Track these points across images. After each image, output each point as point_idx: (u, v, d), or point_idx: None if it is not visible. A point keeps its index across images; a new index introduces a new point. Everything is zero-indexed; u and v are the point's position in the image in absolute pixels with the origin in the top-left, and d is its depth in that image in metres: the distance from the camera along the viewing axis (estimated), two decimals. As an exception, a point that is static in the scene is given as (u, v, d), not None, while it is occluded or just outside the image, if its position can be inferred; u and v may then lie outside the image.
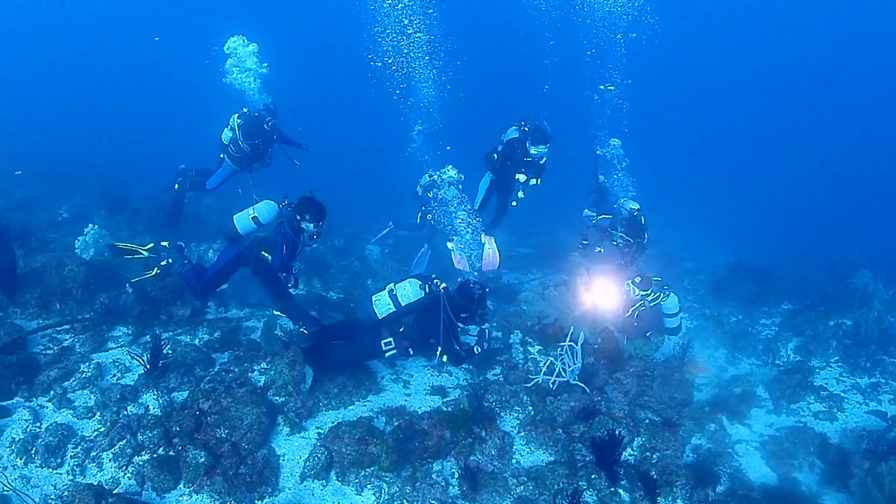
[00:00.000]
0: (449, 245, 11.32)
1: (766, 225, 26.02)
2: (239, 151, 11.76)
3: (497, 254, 11.66)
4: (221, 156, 12.07)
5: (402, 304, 7.87)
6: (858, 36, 49.18)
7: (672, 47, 50.76)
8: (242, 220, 8.43)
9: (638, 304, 9.56)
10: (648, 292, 9.51)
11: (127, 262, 9.54)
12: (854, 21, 47.49)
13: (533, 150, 10.99)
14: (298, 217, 8.18)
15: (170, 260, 8.61)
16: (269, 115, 11.74)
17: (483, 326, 8.34)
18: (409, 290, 7.97)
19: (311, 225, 8.24)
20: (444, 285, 8.05)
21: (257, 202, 8.59)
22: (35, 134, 25.49)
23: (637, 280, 9.58)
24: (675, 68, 52.47)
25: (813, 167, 40.33)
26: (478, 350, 8.29)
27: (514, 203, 11.55)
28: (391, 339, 7.82)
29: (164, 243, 8.72)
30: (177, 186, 12.36)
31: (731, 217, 26.13)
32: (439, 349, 7.85)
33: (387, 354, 7.92)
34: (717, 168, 38.55)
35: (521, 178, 11.18)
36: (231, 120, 11.71)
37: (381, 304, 7.85)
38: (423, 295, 7.97)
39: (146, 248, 8.77)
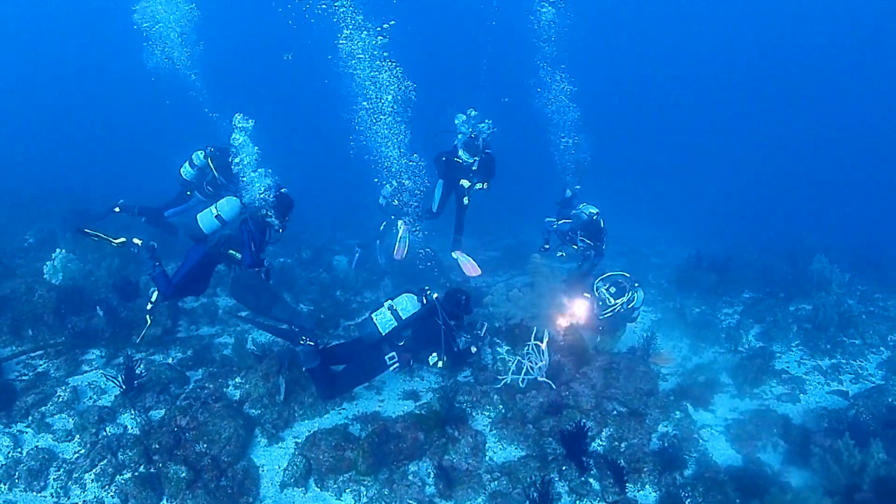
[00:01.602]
0: (399, 226, 11.96)
1: (727, 216, 26.46)
2: (217, 189, 11.56)
3: (473, 262, 12.02)
4: (189, 192, 11.90)
5: (403, 318, 7.99)
6: (814, 27, 50.05)
7: (630, 45, 51.46)
8: (206, 219, 8.50)
9: (616, 307, 9.75)
10: (625, 297, 9.71)
11: (96, 284, 9.64)
12: (809, 12, 48.37)
13: (461, 154, 11.54)
14: (264, 212, 8.27)
15: (155, 297, 8.69)
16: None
17: (470, 333, 8.59)
18: (407, 304, 8.10)
19: (277, 219, 8.33)
20: (436, 295, 8.29)
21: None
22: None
23: (612, 290, 9.77)
24: (635, 67, 53.19)
25: (771, 158, 40.96)
26: (474, 349, 8.54)
27: (465, 200, 11.95)
28: (394, 353, 7.97)
29: (136, 241, 8.74)
30: (118, 209, 11.92)
31: (694, 210, 26.56)
32: (433, 355, 8.04)
33: (391, 369, 8.03)
34: (680, 163, 39.11)
35: (465, 183, 11.55)
36: (196, 158, 11.50)
37: (383, 321, 7.94)
38: (419, 307, 8.14)
39: (117, 241, 8.76)
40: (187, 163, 11.54)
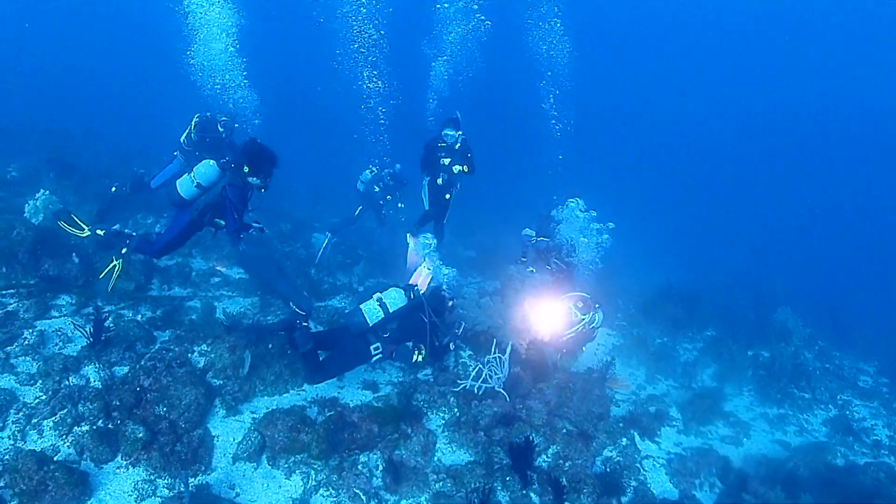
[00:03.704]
0: (409, 240, 11.82)
1: (703, 248, 26.78)
2: (190, 144, 12.16)
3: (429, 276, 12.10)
4: (175, 153, 12.40)
5: (391, 311, 8.22)
6: (804, 62, 50.70)
7: (616, 70, 51.75)
8: (185, 186, 8.40)
9: (578, 327, 9.95)
10: (588, 316, 9.92)
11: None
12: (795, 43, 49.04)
13: (446, 132, 11.64)
14: (247, 169, 8.30)
15: (123, 250, 8.77)
16: (225, 116, 12.24)
17: (449, 331, 8.86)
18: (395, 298, 8.33)
19: (257, 178, 8.37)
20: (423, 291, 8.56)
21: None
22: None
23: (579, 305, 9.97)
24: (625, 91, 53.55)
25: (759, 200, 41.52)
26: (452, 346, 8.84)
27: (439, 181, 12.03)
28: (379, 344, 8.17)
29: (99, 232, 8.77)
30: (114, 189, 12.31)
31: (672, 237, 26.81)
32: (417, 349, 8.36)
33: (374, 359, 8.24)
34: (664, 187, 39.44)
35: (446, 161, 11.72)
36: (194, 119, 12.18)
37: (371, 312, 8.15)
38: (406, 301, 8.37)
39: (84, 234, 8.82)
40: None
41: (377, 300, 8.26)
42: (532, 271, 11.87)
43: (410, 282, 11.46)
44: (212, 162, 8.42)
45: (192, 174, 8.41)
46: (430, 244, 11.02)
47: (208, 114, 12.18)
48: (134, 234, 8.81)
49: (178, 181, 8.49)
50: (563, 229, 10.98)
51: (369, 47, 12.46)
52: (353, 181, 14.56)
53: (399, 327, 8.37)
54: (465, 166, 11.73)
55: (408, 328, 8.37)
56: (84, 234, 8.76)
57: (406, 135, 12.94)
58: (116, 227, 8.84)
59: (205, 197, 8.54)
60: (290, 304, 8.67)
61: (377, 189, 13.90)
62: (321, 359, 8.15)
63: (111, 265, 8.83)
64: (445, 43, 12.83)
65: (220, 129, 12.14)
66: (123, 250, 8.74)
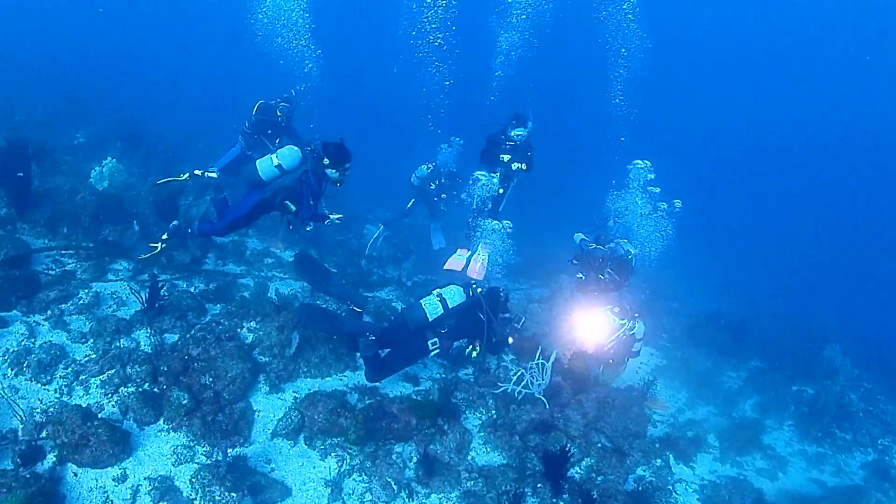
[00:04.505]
0: (458, 252, 11.77)
1: (755, 275, 26.24)
2: (250, 127, 12.36)
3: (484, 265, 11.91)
4: (239, 136, 12.66)
5: (450, 307, 8.26)
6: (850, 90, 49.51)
7: (672, 92, 50.86)
8: (265, 166, 8.48)
9: (618, 334, 9.87)
10: (626, 322, 9.84)
11: (136, 198, 9.94)
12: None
13: (512, 133, 11.43)
14: (327, 161, 8.31)
15: (164, 236, 8.81)
16: (285, 102, 12.42)
17: (508, 325, 8.81)
18: (455, 294, 8.37)
19: (335, 171, 8.41)
20: (480, 289, 8.55)
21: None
22: (54, 53, 25.57)
23: (616, 310, 9.90)
24: (695, 95, 52.60)
25: (814, 228, 40.55)
26: (511, 340, 8.75)
27: (495, 176, 11.74)
28: (436, 339, 8.22)
29: (164, 237, 8.72)
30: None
31: (723, 261, 26.34)
32: (472, 344, 8.48)
33: (432, 354, 8.29)
34: (723, 211, 38.74)
35: (506, 157, 11.52)
36: (255, 105, 12.43)
37: (432, 308, 8.20)
38: (465, 298, 8.41)
39: (160, 248, 8.74)
40: None
41: (437, 296, 8.30)
42: (581, 277, 11.69)
43: (452, 268, 11.44)
44: (296, 147, 8.55)
45: (273, 156, 8.52)
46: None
47: (272, 101, 12.39)
48: (190, 229, 8.86)
49: (258, 161, 8.60)
50: (626, 209, 10.75)
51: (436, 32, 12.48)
52: (406, 173, 14.61)
53: (457, 324, 8.40)
54: (523, 164, 11.56)
55: (465, 325, 8.40)
56: (160, 248, 8.85)
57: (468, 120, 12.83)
58: (175, 222, 8.85)
59: (280, 180, 8.64)
60: (348, 303, 8.78)
61: (433, 186, 13.95)
62: (386, 356, 8.24)
63: (155, 249, 8.77)
64: (514, 17, 12.65)
65: (279, 114, 12.32)
66: (164, 236, 8.74)
